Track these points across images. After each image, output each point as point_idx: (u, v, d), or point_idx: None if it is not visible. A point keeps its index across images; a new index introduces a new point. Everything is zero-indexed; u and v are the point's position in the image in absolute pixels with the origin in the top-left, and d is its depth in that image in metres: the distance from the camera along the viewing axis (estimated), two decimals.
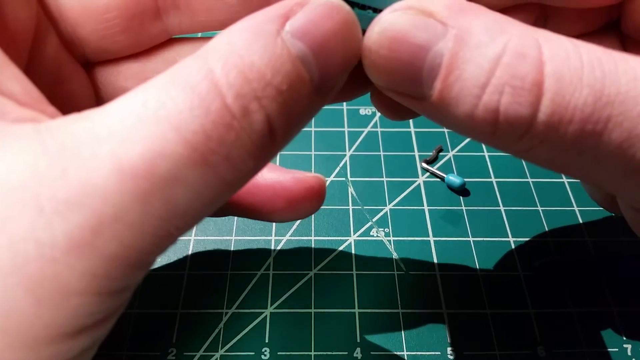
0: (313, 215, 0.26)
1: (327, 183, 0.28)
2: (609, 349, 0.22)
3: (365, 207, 0.27)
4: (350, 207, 0.27)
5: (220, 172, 0.11)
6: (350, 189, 0.27)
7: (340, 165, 0.29)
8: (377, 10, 0.13)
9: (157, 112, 0.11)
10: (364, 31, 0.13)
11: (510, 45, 0.12)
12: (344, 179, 0.28)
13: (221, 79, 0.11)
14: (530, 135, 0.12)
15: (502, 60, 0.12)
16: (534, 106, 0.12)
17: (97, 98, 0.19)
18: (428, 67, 0.12)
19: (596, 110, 0.12)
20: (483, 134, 0.13)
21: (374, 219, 0.26)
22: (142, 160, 0.11)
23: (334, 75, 0.12)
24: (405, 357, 0.22)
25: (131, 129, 0.11)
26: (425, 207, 0.27)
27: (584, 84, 0.12)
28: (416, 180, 0.28)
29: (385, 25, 0.12)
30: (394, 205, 0.27)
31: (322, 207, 0.26)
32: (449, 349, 0.22)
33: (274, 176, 0.13)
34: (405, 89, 0.13)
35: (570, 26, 0.18)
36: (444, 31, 0.12)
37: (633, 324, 0.23)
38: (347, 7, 0.12)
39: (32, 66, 0.16)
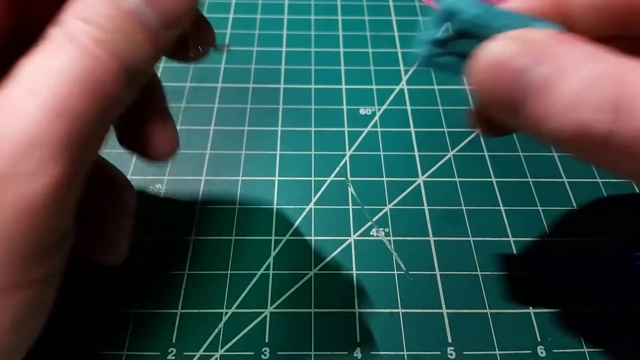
0: (313, 215, 0.26)
1: (327, 183, 0.28)
2: (609, 349, 0.22)
3: (365, 207, 0.27)
4: (350, 207, 0.27)
5: None
6: (350, 189, 0.27)
7: (340, 165, 0.29)
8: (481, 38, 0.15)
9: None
10: (467, 55, 0.15)
11: (604, 70, 0.13)
12: (344, 178, 0.28)
13: None
14: (610, 149, 0.13)
15: (595, 82, 0.13)
16: (614, 122, 0.13)
17: None
18: (524, 87, 0.14)
19: None
20: (568, 147, 0.14)
21: (374, 219, 0.26)
22: None
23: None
24: (405, 357, 0.22)
25: None
26: (425, 207, 0.27)
27: None
28: (416, 180, 0.28)
29: (492, 52, 0.14)
30: (394, 205, 0.27)
31: (322, 206, 0.27)
32: (449, 349, 0.22)
33: None
34: (504, 106, 0.15)
35: None
36: (543, 57, 0.13)
37: (633, 324, 0.23)
38: None
39: None
